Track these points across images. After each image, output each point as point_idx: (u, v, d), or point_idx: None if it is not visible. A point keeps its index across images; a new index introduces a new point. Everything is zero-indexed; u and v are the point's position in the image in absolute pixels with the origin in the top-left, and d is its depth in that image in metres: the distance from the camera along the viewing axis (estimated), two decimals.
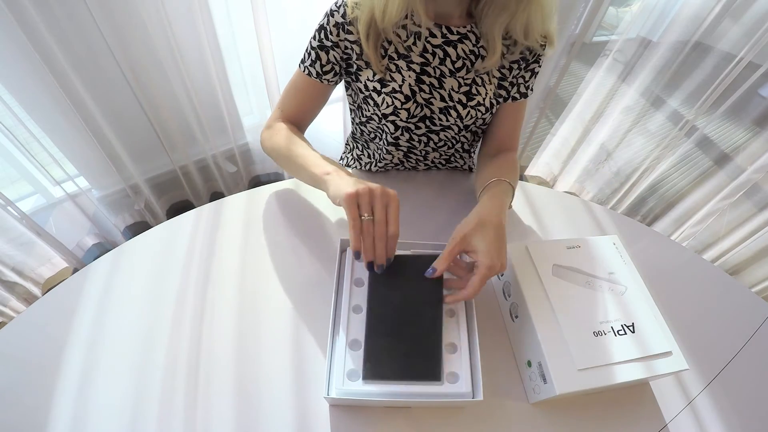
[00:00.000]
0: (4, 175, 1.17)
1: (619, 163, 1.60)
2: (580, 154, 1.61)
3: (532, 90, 0.69)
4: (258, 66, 1.19)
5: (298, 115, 0.71)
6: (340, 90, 1.38)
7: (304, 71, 0.66)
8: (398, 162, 0.79)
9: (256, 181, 1.58)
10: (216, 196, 1.50)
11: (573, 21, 1.31)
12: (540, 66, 0.67)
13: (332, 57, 0.64)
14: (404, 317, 0.48)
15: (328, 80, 0.67)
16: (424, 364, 0.45)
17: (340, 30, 0.62)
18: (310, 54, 0.65)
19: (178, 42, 1.06)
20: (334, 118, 1.46)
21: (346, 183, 0.50)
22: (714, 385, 0.55)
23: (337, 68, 0.66)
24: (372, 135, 0.76)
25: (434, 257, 0.51)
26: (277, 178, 1.58)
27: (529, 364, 0.51)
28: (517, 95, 0.68)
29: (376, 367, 0.45)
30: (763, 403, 0.54)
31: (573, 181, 1.70)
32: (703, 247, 1.46)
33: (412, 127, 0.69)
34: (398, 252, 0.51)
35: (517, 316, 0.54)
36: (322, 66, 0.65)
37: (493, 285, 0.62)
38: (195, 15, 1.05)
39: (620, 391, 0.52)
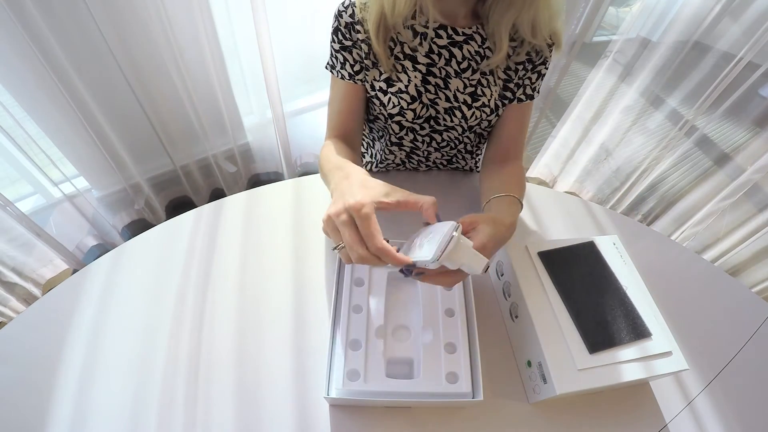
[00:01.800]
0: (4, 175, 1.17)
1: (618, 162, 1.60)
2: (579, 153, 1.61)
3: (538, 92, 0.68)
4: (258, 66, 1.19)
5: (343, 124, 0.68)
6: None
7: (337, 76, 0.65)
8: (400, 162, 0.79)
9: (256, 180, 1.58)
10: (216, 192, 1.50)
11: (573, 21, 1.31)
12: (547, 68, 0.66)
13: (355, 56, 0.63)
14: (591, 294, 0.53)
15: (361, 80, 0.65)
16: (632, 325, 0.50)
17: (351, 30, 0.62)
18: (336, 57, 0.64)
19: (178, 42, 1.06)
20: None
21: (331, 204, 0.44)
22: (714, 385, 0.55)
23: (365, 65, 0.64)
24: (380, 133, 0.76)
25: (583, 244, 0.57)
26: (277, 177, 1.58)
27: (529, 364, 0.51)
28: (522, 96, 0.67)
29: (597, 339, 0.48)
30: (763, 403, 0.54)
31: (573, 180, 1.70)
32: (703, 247, 1.46)
33: (417, 127, 0.69)
34: (554, 247, 0.57)
35: (517, 316, 0.54)
36: (351, 66, 0.64)
37: (493, 285, 0.62)
38: (195, 15, 1.05)
39: (620, 391, 0.52)
